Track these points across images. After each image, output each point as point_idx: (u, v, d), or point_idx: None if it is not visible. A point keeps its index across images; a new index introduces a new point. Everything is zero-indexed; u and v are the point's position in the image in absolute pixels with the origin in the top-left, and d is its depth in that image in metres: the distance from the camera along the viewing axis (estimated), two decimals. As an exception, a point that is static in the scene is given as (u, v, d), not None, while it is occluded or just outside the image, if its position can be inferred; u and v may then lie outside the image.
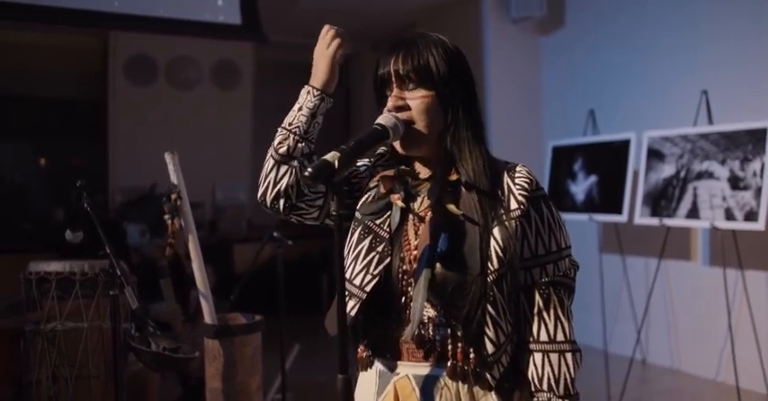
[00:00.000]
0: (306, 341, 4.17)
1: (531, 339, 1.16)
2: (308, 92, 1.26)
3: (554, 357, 1.14)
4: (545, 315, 1.16)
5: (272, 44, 6.04)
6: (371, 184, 1.27)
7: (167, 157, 2.20)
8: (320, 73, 1.26)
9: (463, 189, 1.17)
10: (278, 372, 3.29)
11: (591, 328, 4.68)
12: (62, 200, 6.30)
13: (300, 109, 1.27)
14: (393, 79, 1.19)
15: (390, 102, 1.19)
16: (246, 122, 6.71)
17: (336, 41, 1.25)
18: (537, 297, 1.16)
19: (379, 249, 1.19)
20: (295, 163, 1.25)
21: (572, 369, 1.15)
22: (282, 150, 1.25)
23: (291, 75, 8.75)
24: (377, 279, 1.17)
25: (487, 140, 1.25)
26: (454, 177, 1.18)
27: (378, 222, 1.21)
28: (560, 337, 1.15)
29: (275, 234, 3.04)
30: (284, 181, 1.25)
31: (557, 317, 1.16)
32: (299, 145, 1.25)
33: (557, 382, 1.14)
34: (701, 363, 4.09)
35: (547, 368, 1.14)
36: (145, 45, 6.17)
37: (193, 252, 2.20)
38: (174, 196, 2.17)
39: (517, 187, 1.17)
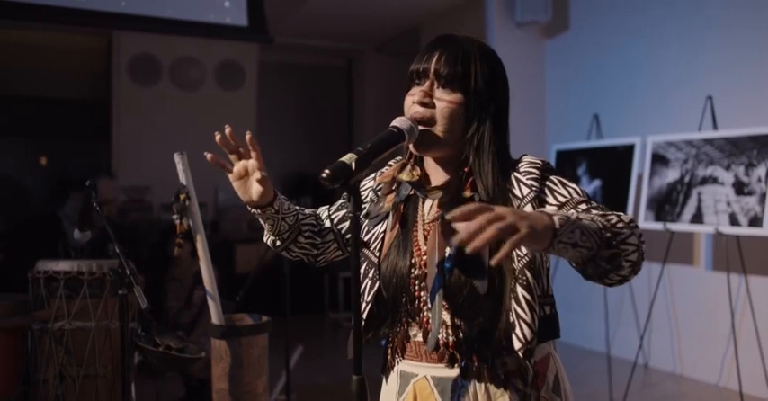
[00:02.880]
0: (308, 342, 4.18)
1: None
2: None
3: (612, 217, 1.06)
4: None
5: (276, 45, 6.05)
6: (375, 188, 1.32)
7: (176, 158, 2.21)
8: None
9: None
10: (282, 373, 3.29)
11: (594, 332, 4.69)
12: (66, 199, 6.29)
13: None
14: (429, 75, 1.17)
15: (417, 96, 1.18)
16: (250, 123, 6.72)
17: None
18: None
19: (371, 275, 1.23)
20: (292, 248, 1.33)
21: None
22: (276, 245, 1.34)
23: (294, 76, 8.74)
24: (370, 305, 1.21)
25: (509, 153, 1.23)
26: (468, 193, 1.17)
27: (372, 247, 1.25)
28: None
29: (281, 235, 3.04)
30: (297, 254, 1.36)
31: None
32: (277, 238, 1.32)
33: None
34: (704, 368, 4.09)
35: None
36: (149, 45, 6.19)
37: (201, 252, 2.20)
38: (182, 196, 2.17)
39: (524, 174, 1.16)
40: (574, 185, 1.18)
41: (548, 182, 1.17)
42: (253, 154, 1.19)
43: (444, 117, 1.16)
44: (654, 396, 3.97)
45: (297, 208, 1.32)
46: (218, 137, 1.20)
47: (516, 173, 1.18)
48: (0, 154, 6.64)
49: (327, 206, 1.41)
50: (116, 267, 2.01)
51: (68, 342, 2.22)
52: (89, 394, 2.22)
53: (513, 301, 1.11)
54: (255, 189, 1.19)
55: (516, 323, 1.11)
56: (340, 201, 1.38)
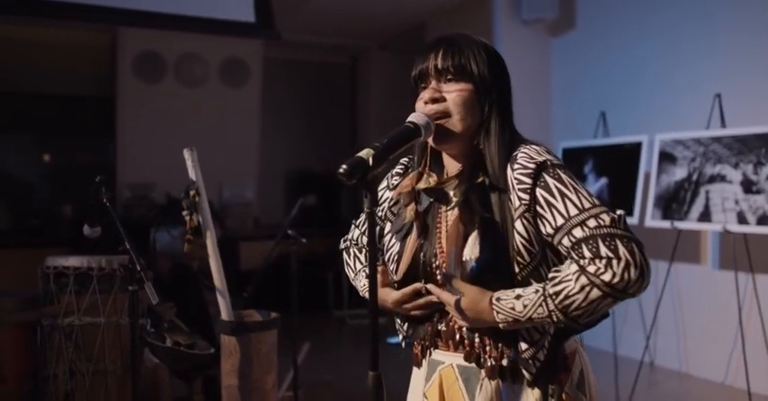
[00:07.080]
0: (313, 339, 4.17)
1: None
2: None
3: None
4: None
5: (281, 42, 6.04)
6: (392, 199, 1.33)
7: (186, 154, 2.20)
8: None
9: (490, 191, 1.17)
10: (289, 370, 3.29)
11: (600, 331, 4.66)
12: (70, 196, 6.32)
13: None
14: (432, 73, 1.20)
15: (427, 94, 1.20)
16: (254, 120, 6.72)
17: None
18: (573, 258, 1.09)
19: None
20: None
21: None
22: None
23: (299, 73, 8.72)
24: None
25: (516, 140, 1.24)
26: (480, 179, 1.18)
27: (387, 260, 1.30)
28: None
29: (289, 231, 3.03)
30: None
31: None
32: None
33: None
34: (711, 367, 4.08)
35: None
36: (153, 42, 6.18)
37: (211, 248, 2.19)
38: (192, 192, 2.16)
39: (516, 181, 1.14)
40: (574, 195, 1.11)
41: (541, 191, 1.12)
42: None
43: (458, 105, 1.18)
44: (660, 395, 3.96)
45: None
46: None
47: (510, 171, 1.15)
48: (5, 150, 6.65)
49: (354, 223, 1.48)
50: (126, 263, 2.01)
51: (78, 337, 2.22)
52: (98, 389, 2.22)
53: None
54: None
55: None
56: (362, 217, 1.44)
